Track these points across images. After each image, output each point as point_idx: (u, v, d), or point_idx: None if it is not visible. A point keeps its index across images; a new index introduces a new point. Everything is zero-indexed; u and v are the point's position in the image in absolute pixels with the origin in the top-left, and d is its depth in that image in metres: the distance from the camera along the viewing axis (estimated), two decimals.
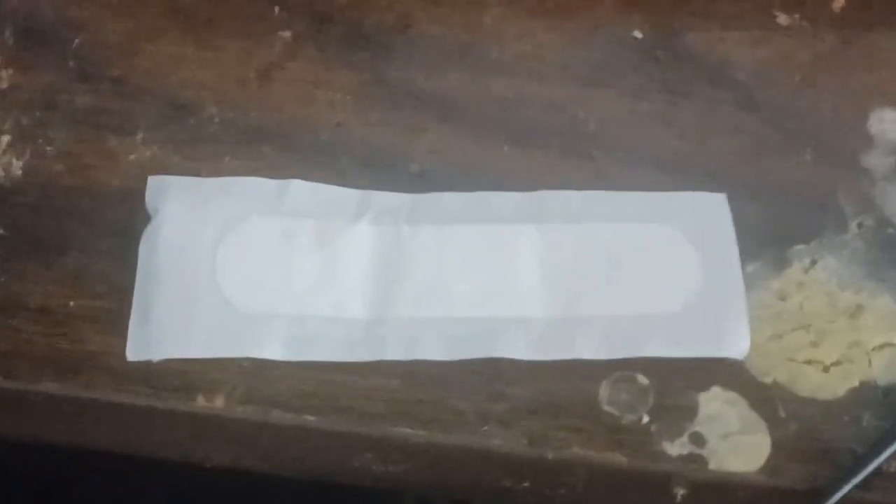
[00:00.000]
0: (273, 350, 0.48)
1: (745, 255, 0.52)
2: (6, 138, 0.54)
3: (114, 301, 0.50)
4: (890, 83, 0.58)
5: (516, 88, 0.57)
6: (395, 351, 0.48)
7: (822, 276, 0.52)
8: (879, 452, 0.47)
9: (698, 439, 0.48)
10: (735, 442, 0.48)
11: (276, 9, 0.59)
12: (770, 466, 0.47)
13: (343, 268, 0.50)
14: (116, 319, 0.49)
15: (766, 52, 0.59)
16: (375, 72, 0.57)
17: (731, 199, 0.53)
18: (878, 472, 0.47)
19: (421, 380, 0.48)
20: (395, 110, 0.56)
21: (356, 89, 0.57)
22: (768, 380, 0.49)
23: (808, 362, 0.49)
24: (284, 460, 0.49)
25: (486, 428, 0.47)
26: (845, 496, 0.46)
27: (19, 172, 0.53)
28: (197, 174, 0.53)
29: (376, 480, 0.49)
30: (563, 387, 0.49)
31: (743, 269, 0.52)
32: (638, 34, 0.59)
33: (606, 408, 0.48)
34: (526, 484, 0.48)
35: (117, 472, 0.72)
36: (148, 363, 0.48)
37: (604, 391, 0.48)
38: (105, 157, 0.53)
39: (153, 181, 0.52)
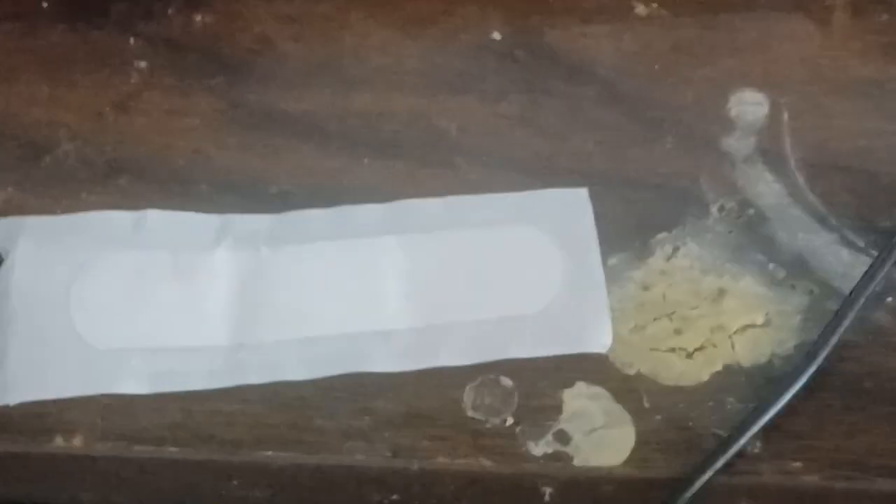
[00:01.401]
0: (133, 385, 0.48)
1: (609, 248, 0.52)
2: None
3: None
4: (750, 64, 0.58)
5: (377, 102, 0.57)
6: (256, 375, 0.48)
7: (684, 263, 0.52)
8: (741, 434, 0.46)
9: (563, 437, 0.48)
10: (600, 437, 0.48)
11: (132, 39, 0.59)
12: (635, 458, 0.48)
13: (202, 297, 0.50)
14: None
15: (625, 43, 0.59)
16: (233, 96, 0.57)
17: (593, 194, 0.54)
18: (740, 454, 0.47)
19: (284, 402, 0.48)
20: (253, 133, 0.56)
21: (214, 115, 0.56)
22: (632, 371, 0.49)
23: (672, 350, 0.50)
24: (150, 494, 0.49)
25: (348, 444, 0.47)
26: (710, 481, 0.46)
27: None
28: (52, 213, 0.52)
29: None
30: (428, 396, 0.48)
31: (606, 262, 0.52)
32: (497, 36, 0.59)
33: (471, 413, 0.48)
34: (395, 497, 0.48)
35: None
36: (3, 408, 0.47)
37: (468, 396, 0.48)
38: None
39: (3, 223, 0.51)
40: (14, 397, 0.48)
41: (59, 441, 0.47)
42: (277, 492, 0.48)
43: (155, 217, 0.52)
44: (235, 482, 0.48)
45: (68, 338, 0.49)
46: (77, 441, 0.47)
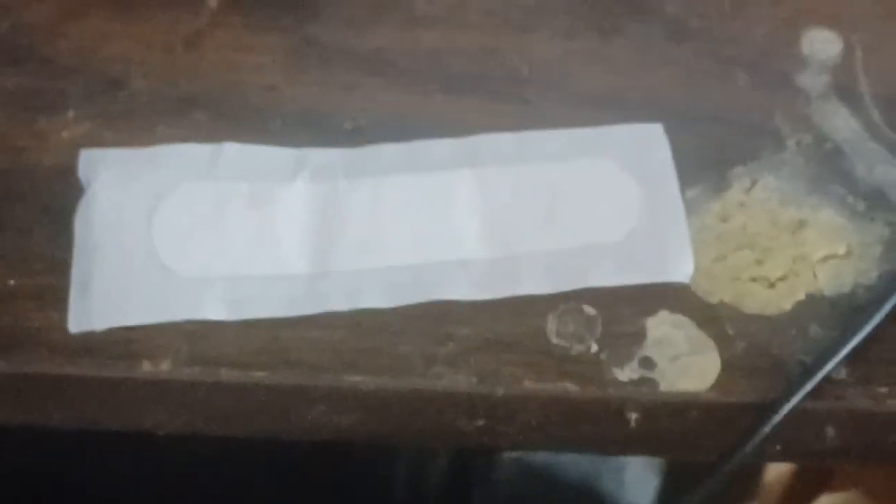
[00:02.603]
0: (215, 310, 0.48)
1: (685, 181, 0.52)
2: None
3: (54, 277, 0.49)
4: (820, 3, 0.57)
5: (446, 39, 0.57)
6: (337, 302, 0.48)
7: (762, 196, 0.52)
8: (826, 361, 0.46)
9: (648, 363, 0.47)
10: (685, 363, 0.47)
11: None
12: (721, 384, 0.47)
13: (281, 226, 0.50)
14: (57, 295, 0.49)
15: None
16: (303, 33, 0.57)
17: (667, 129, 0.53)
18: (827, 380, 0.46)
19: (366, 328, 0.48)
20: (325, 69, 0.56)
21: (285, 52, 0.56)
22: (715, 300, 0.49)
23: (754, 280, 0.49)
24: (237, 419, 0.49)
25: (434, 369, 0.47)
26: (797, 407, 0.46)
27: None
28: (129, 146, 0.52)
29: (331, 433, 0.48)
30: (510, 323, 0.48)
31: (683, 195, 0.52)
32: None
33: (555, 340, 0.48)
34: (480, 422, 0.48)
35: (67, 449, 0.71)
36: (91, 335, 0.48)
37: (551, 324, 0.48)
38: (37, 137, 0.53)
39: (85, 154, 0.52)
40: (100, 323, 0.48)
41: (146, 366, 0.47)
42: (364, 417, 0.48)
43: (232, 150, 0.52)
44: (322, 407, 0.48)
45: (151, 265, 0.49)
46: (164, 366, 0.47)
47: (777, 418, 0.46)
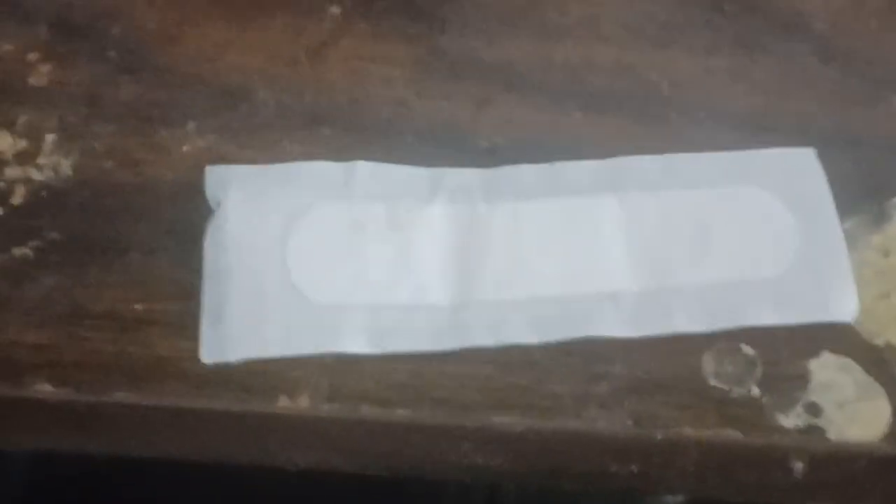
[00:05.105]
0: (355, 343, 0.45)
1: (841, 210, 0.50)
2: (51, 137, 0.51)
3: (182, 302, 0.47)
4: None
5: (582, 53, 0.54)
6: (482, 336, 0.45)
7: None
8: None
9: (814, 409, 0.45)
10: (853, 409, 0.45)
11: None
12: (893, 432, 0.44)
13: (419, 252, 0.47)
14: (187, 321, 0.46)
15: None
16: (432, 43, 0.54)
17: (819, 154, 0.50)
18: None
19: (514, 365, 0.45)
20: (457, 82, 0.53)
21: (414, 63, 0.54)
22: (880, 341, 0.46)
23: None
24: (376, 458, 0.46)
25: (587, 411, 0.44)
26: None
27: (69, 172, 0.50)
28: (254, 162, 0.49)
29: (475, 473, 0.46)
30: (665, 363, 0.46)
31: (840, 225, 0.48)
32: None
33: (713, 382, 0.45)
34: (634, 467, 0.45)
35: (196, 483, 0.69)
36: (224, 365, 0.45)
37: (708, 364, 0.45)
38: (157, 151, 0.51)
39: (212, 171, 0.49)
40: (234, 354, 0.45)
41: (284, 401, 0.45)
42: (510, 458, 0.46)
43: (365, 169, 0.49)
44: (467, 446, 0.45)
45: (287, 292, 0.46)
46: (303, 401, 0.45)
47: None
